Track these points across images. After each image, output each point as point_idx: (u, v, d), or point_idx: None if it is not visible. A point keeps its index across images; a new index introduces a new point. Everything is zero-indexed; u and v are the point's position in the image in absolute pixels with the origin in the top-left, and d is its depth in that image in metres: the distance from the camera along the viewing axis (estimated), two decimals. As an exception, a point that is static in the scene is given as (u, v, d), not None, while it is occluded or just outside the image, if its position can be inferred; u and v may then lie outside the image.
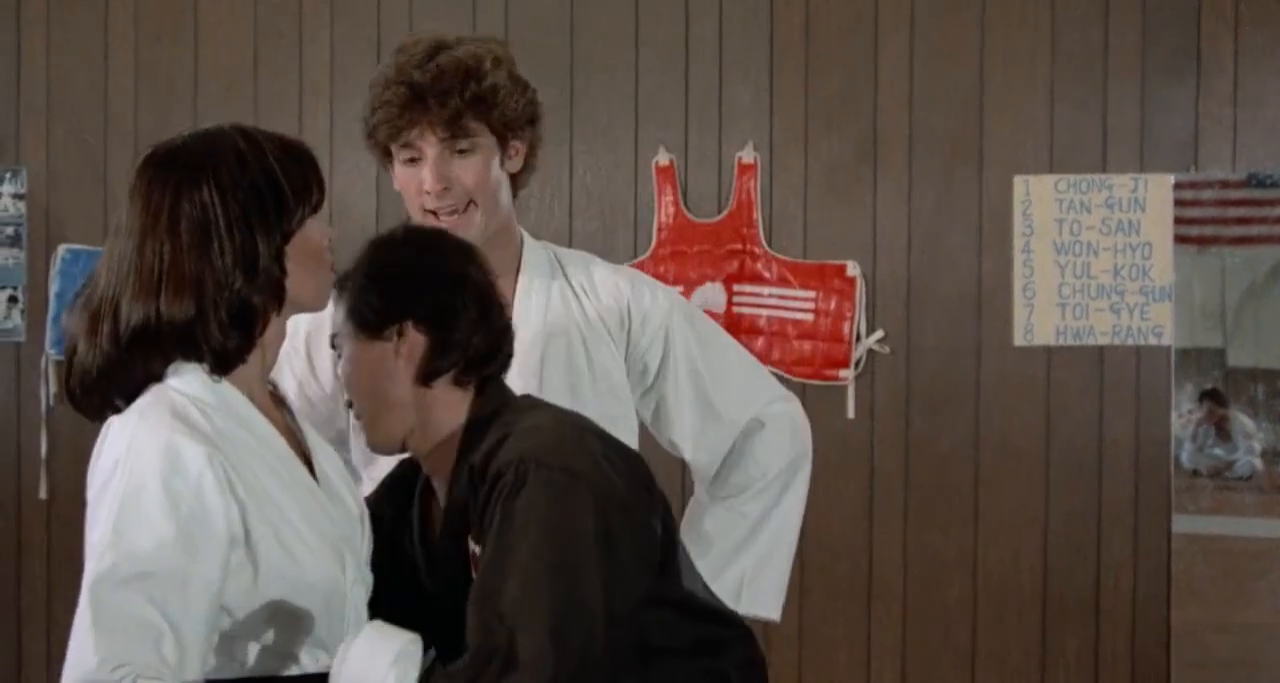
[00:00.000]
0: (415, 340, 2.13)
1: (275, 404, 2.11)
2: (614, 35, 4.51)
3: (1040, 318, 4.30)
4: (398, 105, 2.46)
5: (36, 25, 4.81)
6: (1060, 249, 4.30)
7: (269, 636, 1.96)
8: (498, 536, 1.99)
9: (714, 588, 2.32)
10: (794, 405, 2.79)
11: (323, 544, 1.99)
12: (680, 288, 4.35)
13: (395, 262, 2.19)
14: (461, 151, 2.49)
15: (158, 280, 1.92)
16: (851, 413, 4.37)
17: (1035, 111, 4.31)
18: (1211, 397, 4.23)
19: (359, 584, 2.06)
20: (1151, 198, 4.26)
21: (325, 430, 2.58)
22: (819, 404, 4.28)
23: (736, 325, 4.36)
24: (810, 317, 4.40)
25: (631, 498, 2.05)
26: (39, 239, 4.82)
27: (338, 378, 2.57)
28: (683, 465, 2.85)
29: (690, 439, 2.71)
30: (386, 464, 2.43)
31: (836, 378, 4.39)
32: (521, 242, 2.65)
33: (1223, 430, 4.22)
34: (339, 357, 2.22)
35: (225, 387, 1.97)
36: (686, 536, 2.61)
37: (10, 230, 4.85)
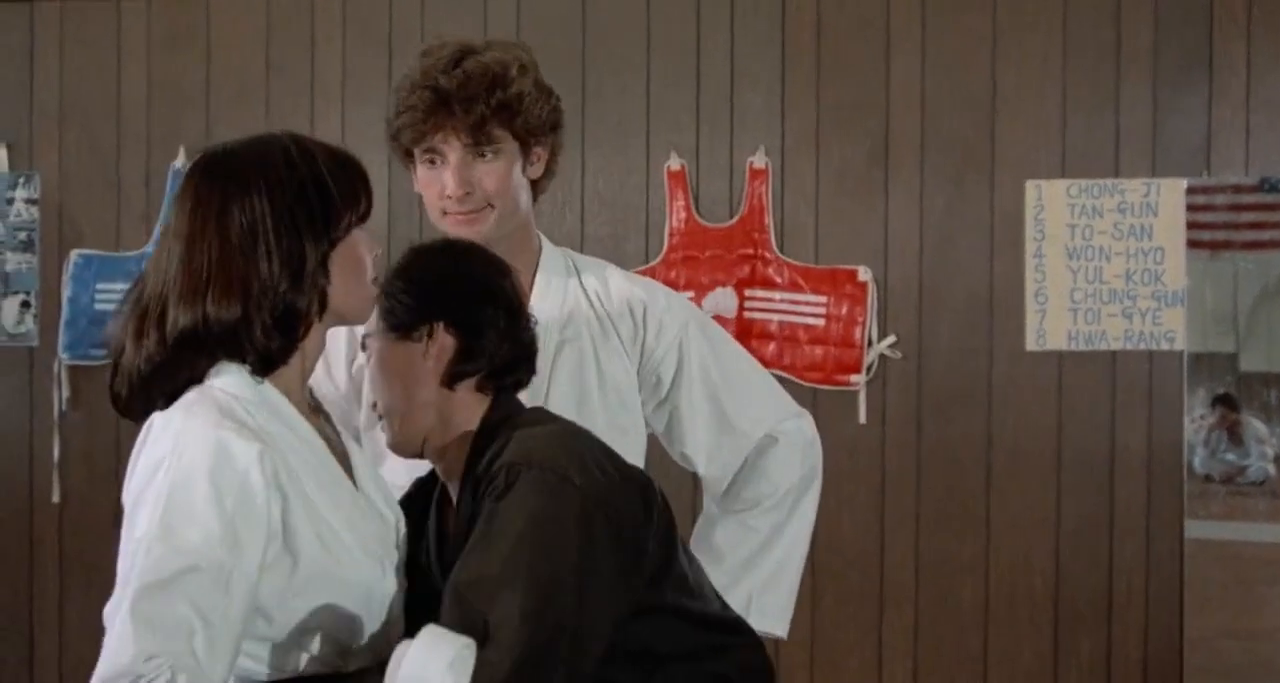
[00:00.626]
0: (445, 343, 2.18)
1: (313, 410, 2.14)
2: (626, 39, 4.51)
3: (1052, 323, 4.30)
4: (423, 110, 2.46)
5: (49, 31, 4.82)
6: (1072, 254, 4.30)
7: (309, 635, 1.98)
8: (481, 529, 2.03)
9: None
10: (807, 421, 2.78)
11: (362, 546, 2.01)
12: (691, 293, 4.35)
13: (432, 267, 2.24)
14: (484, 157, 2.49)
15: (206, 282, 1.94)
16: (863, 418, 4.37)
17: (1047, 116, 4.31)
18: (1224, 402, 4.22)
19: (398, 588, 2.09)
20: (1164, 202, 4.25)
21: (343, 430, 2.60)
22: (830, 409, 4.28)
23: (748, 331, 4.35)
24: (821, 322, 4.40)
25: (622, 506, 2.07)
26: (52, 244, 4.83)
27: (352, 379, 2.58)
28: (693, 480, 2.85)
29: (703, 452, 2.70)
30: (395, 465, 2.44)
31: (848, 383, 4.39)
32: (540, 247, 2.65)
33: (1235, 436, 4.21)
34: (368, 357, 2.27)
35: (267, 388, 1.99)
36: (696, 548, 2.61)
37: (23, 235, 4.86)
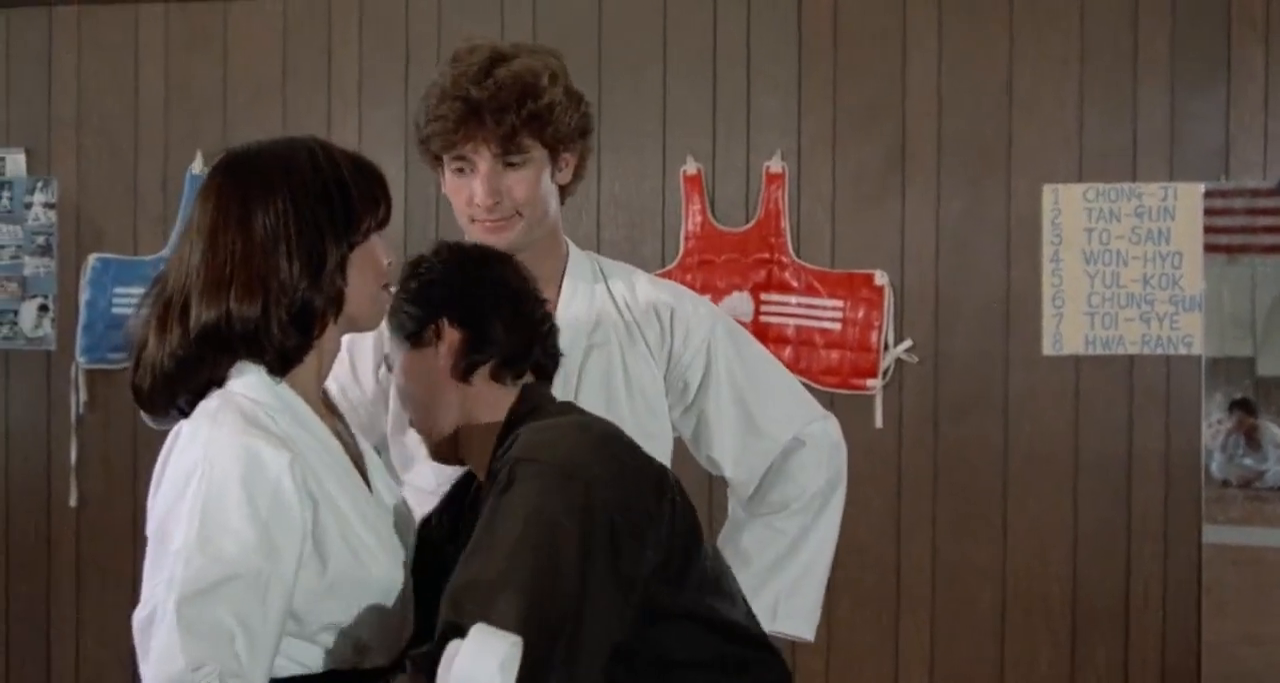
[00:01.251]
0: (452, 338, 2.20)
1: (329, 412, 2.16)
2: (642, 43, 4.51)
3: (1069, 327, 4.29)
4: (453, 120, 2.45)
5: (67, 36, 4.84)
6: (1089, 258, 4.29)
7: (330, 633, 2.01)
8: (481, 527, 2.02)
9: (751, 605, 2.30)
10: (832, 424, 2.78)
11: (381, 546, 2.05)
12: (707, 297, 4.34)
13: (428, 271, 2.27)
14: (514, 166, 2.49)
15: (229, 278, 1.97)
16: (879, 423, 4.36)
17: (1064, 120, 4.30)
18: (1241, 406, 4.20)
19: (410, 587, 2.12)
20: (1181, 206, 4.24)
21: (367, 435, 2.60)
22: (847, 414, 4.26)
23: (764, 335, 4.35)
24: (838, 326, 4.39)
25: (628, 501, 2.03)
26: (69, 248, 4.85)
27: (379, 382, 2.59)
28: (710, 483, 2.84)
29: (730, 456, 2.70)
30: (426, 469, 2.46)
31: (864, 387, 4.38)
32: (567, 252, 2.65)
33: (1253, 440, 4.20)
34: (394, 376, 2.30)
35: (285, 389, 2.02)
36: (725, 551, 2.61)
37: (41, 239, 4.87)
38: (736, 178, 4.47)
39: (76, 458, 4.81)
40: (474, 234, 2.52)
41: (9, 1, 4.83)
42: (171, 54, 4.79)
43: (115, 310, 4.72)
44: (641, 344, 2.63)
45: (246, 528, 1.88)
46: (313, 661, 2.01)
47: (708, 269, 4.44)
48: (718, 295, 4.40)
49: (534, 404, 2.21)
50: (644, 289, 2.68)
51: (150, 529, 1.96)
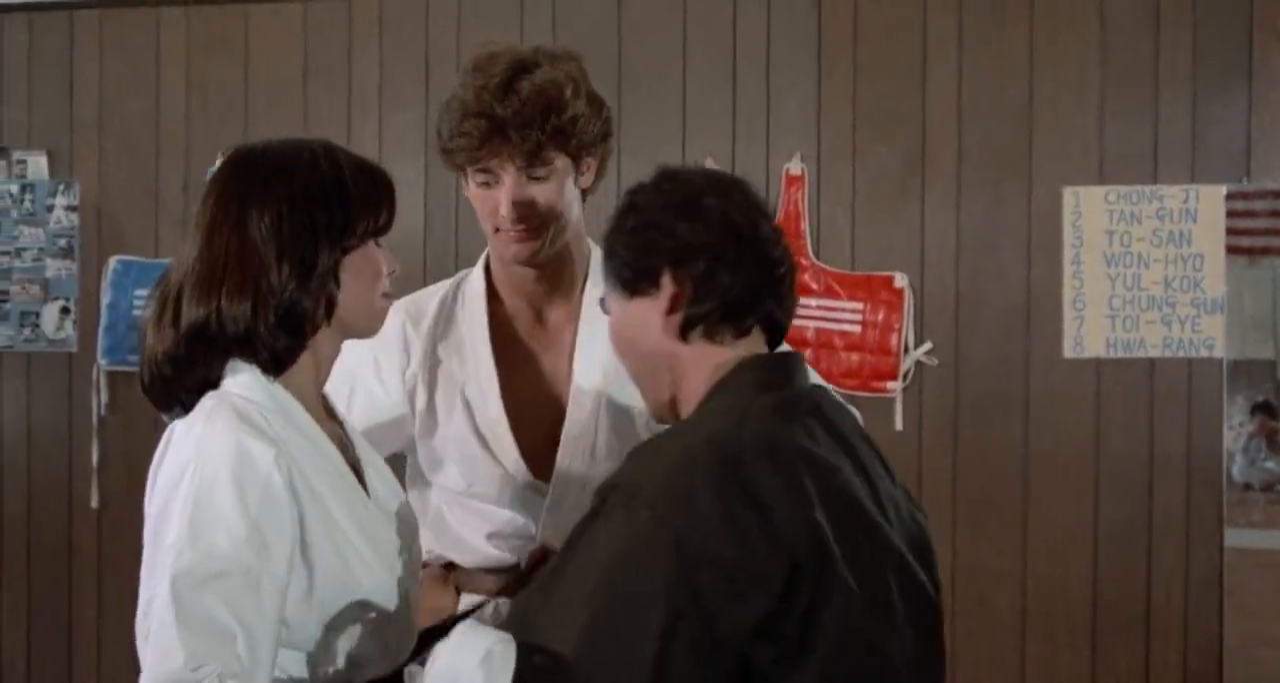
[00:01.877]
0: (672, 290, 2.00)
1: (328, 416, 2.14)
2: (661, 46, 4.51)
3: (1090, 330, 4.28)
4: (478, 137, 2.46)
5: (89, 39, 4.86)
6: (1110, 261, 4.28)
7: (322, 647, 1.97)
8: (563, 557, 1.87)
9: None
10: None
11: (376, 555, 2.01)
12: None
13: (644, 207, 2.06)
14: (538, 179, 2.50)
15: (220, 277, 1.96)
16: (900, 425, 4.35)
17: (1085, 123, 4.29)
18: (1263, 409, 4.19)
19: (410, 595, 2.08)
20: (1203, 209, 4.23)
21: (394, 438, 2.61)
22: (867, 416, 4.21)
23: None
24: (858, 328, 4.39)
25: (727, 551, 1.76)
26: (91, 251, 4.87)
27: (404, 384, 2.59)
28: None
29: None
30: (454, 470, 2.50)
31: (884, 390, 4.38)
32: (590, 252, 2.66)
33: (1274, 443, 4.18)
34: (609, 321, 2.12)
35: (280, 392, 2.00)
36: None
37: (63, 242, 4.89)
38: (756, 180, 4.38)
39: (98, 459, 4.82)
40: (499, 243, 2.53)
41: (31, 5, 4.86)
42: (192, 57, 4.80)
43: (136, 312, 4.73)
44: None
45: (238, 522, 1.86)
46: (302, 672, 1.97)
47: (727, 272, 4.43)
48: (737, 298, 4.39)
49: (757, 378, 1.96)
50: None
51: (146, 531, 1.95)
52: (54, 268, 4.90)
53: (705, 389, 1.97)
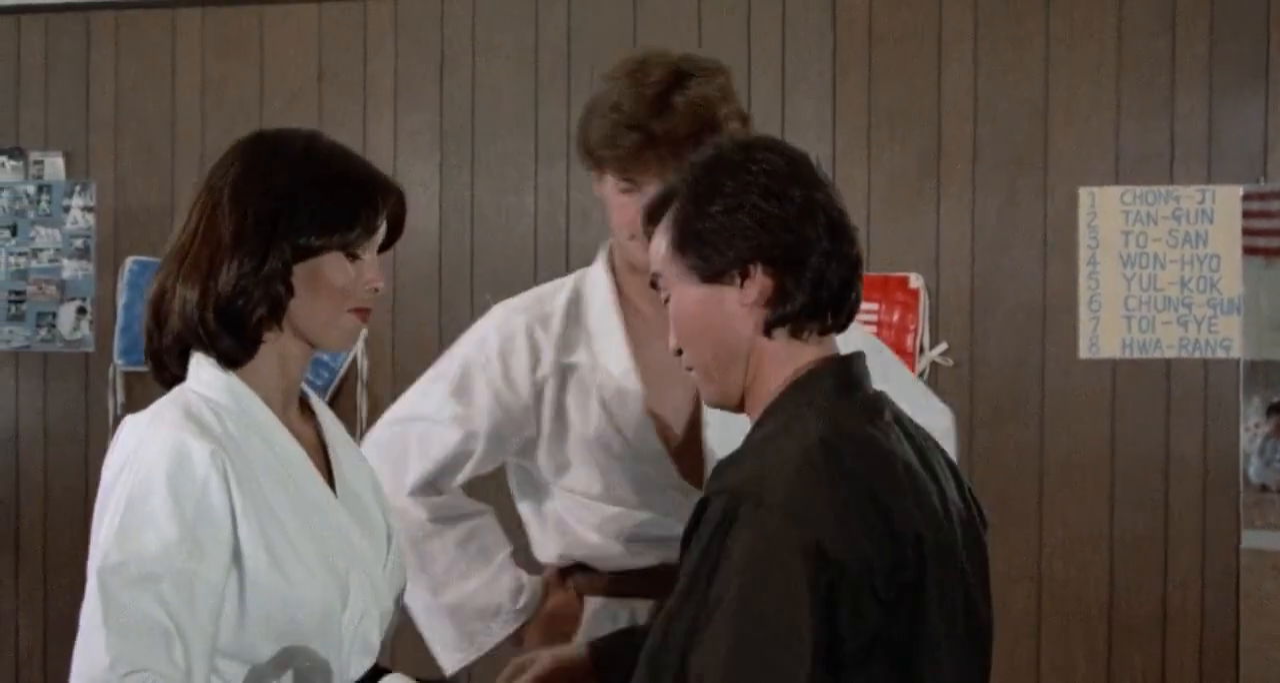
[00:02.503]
0: (762, 284, 1.86)
1: (305, 417, 2.07)
2: (677, 47, 4.46)
3: (1106, 330, 4.27)
4: (631, 150, 2.46)
5: (105, 40, 4.87)
6: (1126, 261, 4.27)
7: (257, 655, 1.90)
8: (689, 578, 1.78)
9: None
10: (951, 418, 2.83)
11: (322, 564, 1.92)
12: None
13: (732, 184, 1.87)
14: None
15: (182, 257, 1.94)
16: (914, 426, 4.35)
17: (1101, 123, 4.27)
18: (1280, 410, 4.18)
19: (371, 609, 1.99)
20: (1220, 209, 4.21)
21: (514, 439, 2.61)
22: (882, 417, 4.26)
23: (799, 338, 4.34)
24: (873, 329, 4.38)
25: (869, 560, 1.74)
26: (107, 251, 4.88)
27: (534, 384, 2.57)
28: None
29: None
30: (582, 473, 2.50)
31: (899, 390, 4.37)
32: None
33: (1292, 445, 4.17)
34: (665, 298, 1.96)
35: (242, 388, 1.94)
36: None
37: (79, 242, 4.91)
38: (771, 181, 4.45)
39: (114, 460, 4.84)
40: (634, 250, 2.50)
41: (48, 7, 4.87)
42: (208, 58, 4.81)
43: (153, 313, 4.75)
44: None
45: (168, 525, 1.81)
46: (239, 681, 1.90)
47: (742, 272, 4.43)
48: (752, 299, 4.39)
49: (833, 379, 1.88)
50: None
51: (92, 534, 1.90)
52: (71, 268, 4.91)
53: (781, 386, 1.88)
